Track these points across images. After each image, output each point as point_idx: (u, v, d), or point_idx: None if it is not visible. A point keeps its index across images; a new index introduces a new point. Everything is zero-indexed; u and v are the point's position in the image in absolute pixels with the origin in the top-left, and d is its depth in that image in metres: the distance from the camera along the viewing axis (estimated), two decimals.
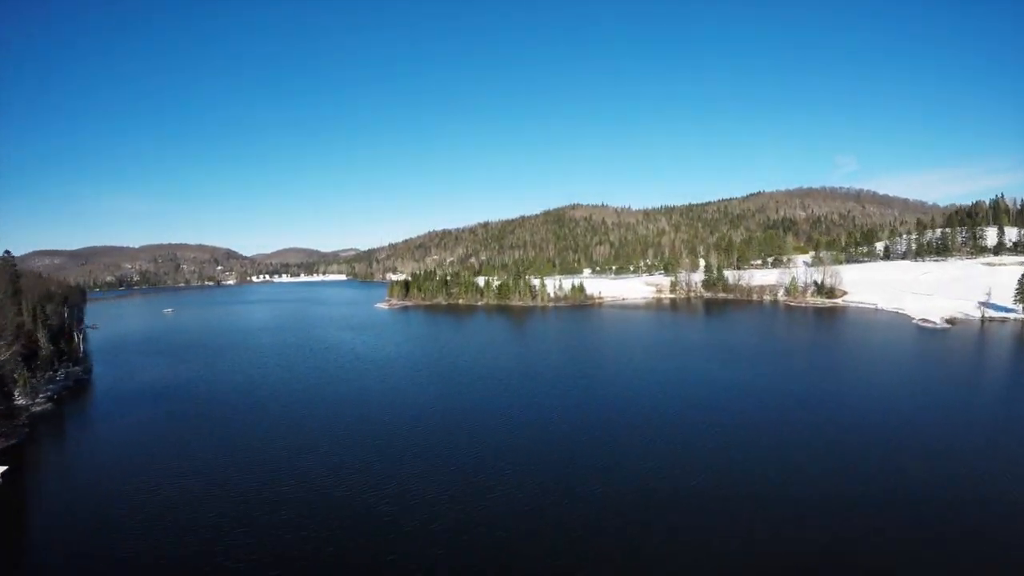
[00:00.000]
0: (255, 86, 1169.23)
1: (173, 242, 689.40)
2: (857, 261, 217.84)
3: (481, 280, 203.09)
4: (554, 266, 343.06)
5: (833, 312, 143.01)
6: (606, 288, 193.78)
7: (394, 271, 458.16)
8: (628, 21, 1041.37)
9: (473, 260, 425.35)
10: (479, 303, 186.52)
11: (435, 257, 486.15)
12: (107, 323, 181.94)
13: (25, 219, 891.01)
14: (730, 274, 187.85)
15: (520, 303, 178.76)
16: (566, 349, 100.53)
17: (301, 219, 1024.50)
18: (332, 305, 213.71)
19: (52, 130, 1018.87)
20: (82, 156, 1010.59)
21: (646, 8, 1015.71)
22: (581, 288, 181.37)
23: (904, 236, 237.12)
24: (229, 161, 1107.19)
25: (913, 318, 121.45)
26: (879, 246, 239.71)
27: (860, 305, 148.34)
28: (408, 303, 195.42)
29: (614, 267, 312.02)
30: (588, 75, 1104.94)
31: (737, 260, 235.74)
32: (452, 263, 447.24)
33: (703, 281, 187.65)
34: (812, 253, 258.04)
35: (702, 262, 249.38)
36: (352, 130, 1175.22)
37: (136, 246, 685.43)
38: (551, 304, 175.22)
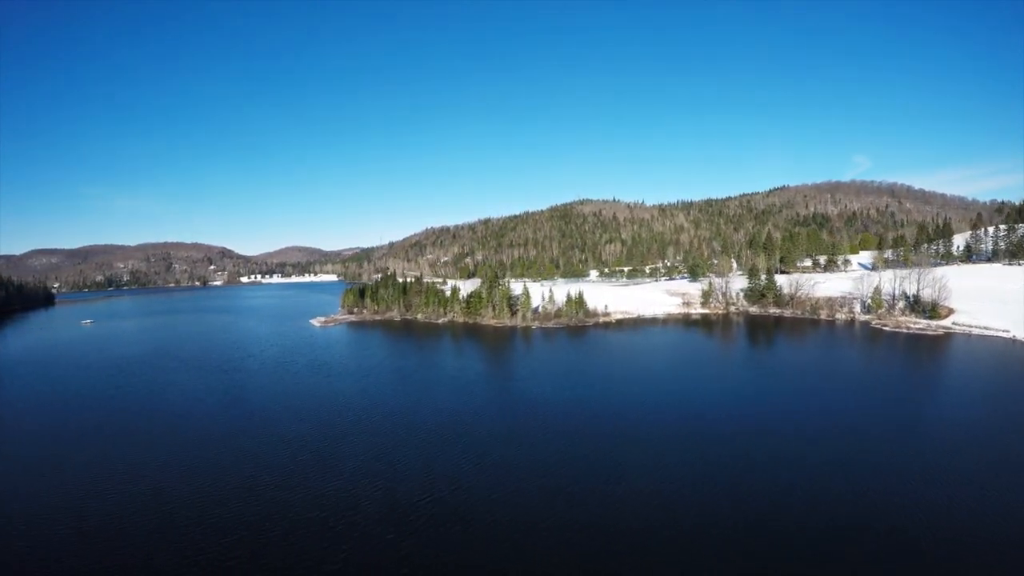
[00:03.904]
0: (261, 86, 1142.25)
1: (169, 240, 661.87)
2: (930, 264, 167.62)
3: (448, 287, 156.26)
4: (557, 267, 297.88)
5: (945, 343, 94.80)
6: (615, 299, 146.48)
7: (385, 271, 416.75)
8: (643, 17, 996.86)
9: (469, 260, 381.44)
10: (441, 320, 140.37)
11: (430, 256, 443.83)
12: (9, 339, 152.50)
13: (25, 218, 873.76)
14: (782, 281, 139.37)
15: (494, 321, 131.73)
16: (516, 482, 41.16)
17: (305, 217, 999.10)
18: (268, 319, 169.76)
19: (53, 130, 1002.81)
20: (83, 156, 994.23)
21: (661, 5, 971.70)
22: (580, 301, 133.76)
23: (990, 232, 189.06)
24: (232, 160, 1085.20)
25: None
26: (958, 241, 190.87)
27: (984, 332, 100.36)
28: (354, 318, 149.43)
29: (626, 269, 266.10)
30: (598, 71, 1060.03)
31: (780, 261, 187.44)
32: (446, 263, 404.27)
33: (746, 291, 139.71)
34: (869, 252, 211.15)
35: (734, 263, 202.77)
36: (358, 128, 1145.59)
37: (133, 244, 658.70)
38: (536, 325, 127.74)
